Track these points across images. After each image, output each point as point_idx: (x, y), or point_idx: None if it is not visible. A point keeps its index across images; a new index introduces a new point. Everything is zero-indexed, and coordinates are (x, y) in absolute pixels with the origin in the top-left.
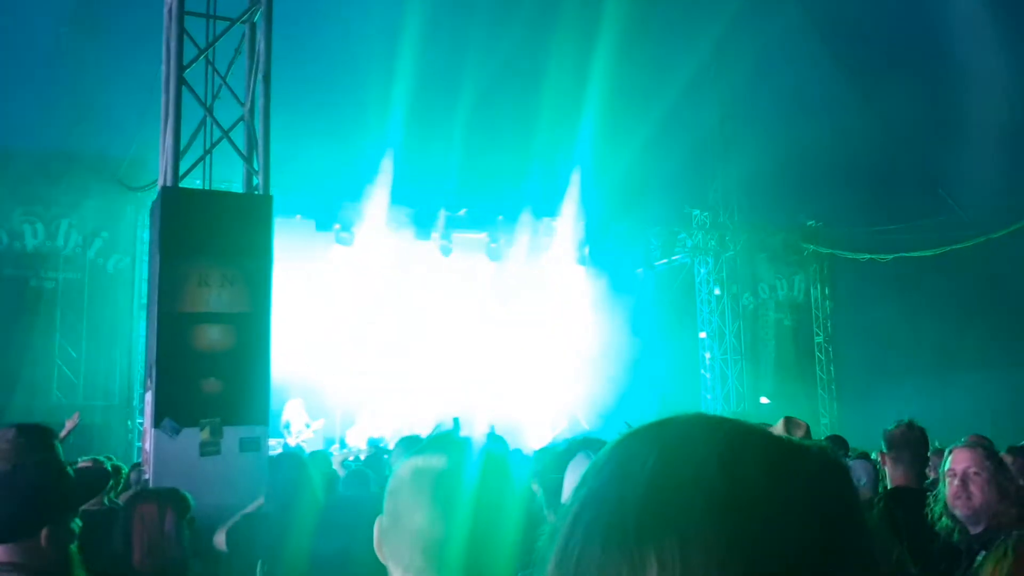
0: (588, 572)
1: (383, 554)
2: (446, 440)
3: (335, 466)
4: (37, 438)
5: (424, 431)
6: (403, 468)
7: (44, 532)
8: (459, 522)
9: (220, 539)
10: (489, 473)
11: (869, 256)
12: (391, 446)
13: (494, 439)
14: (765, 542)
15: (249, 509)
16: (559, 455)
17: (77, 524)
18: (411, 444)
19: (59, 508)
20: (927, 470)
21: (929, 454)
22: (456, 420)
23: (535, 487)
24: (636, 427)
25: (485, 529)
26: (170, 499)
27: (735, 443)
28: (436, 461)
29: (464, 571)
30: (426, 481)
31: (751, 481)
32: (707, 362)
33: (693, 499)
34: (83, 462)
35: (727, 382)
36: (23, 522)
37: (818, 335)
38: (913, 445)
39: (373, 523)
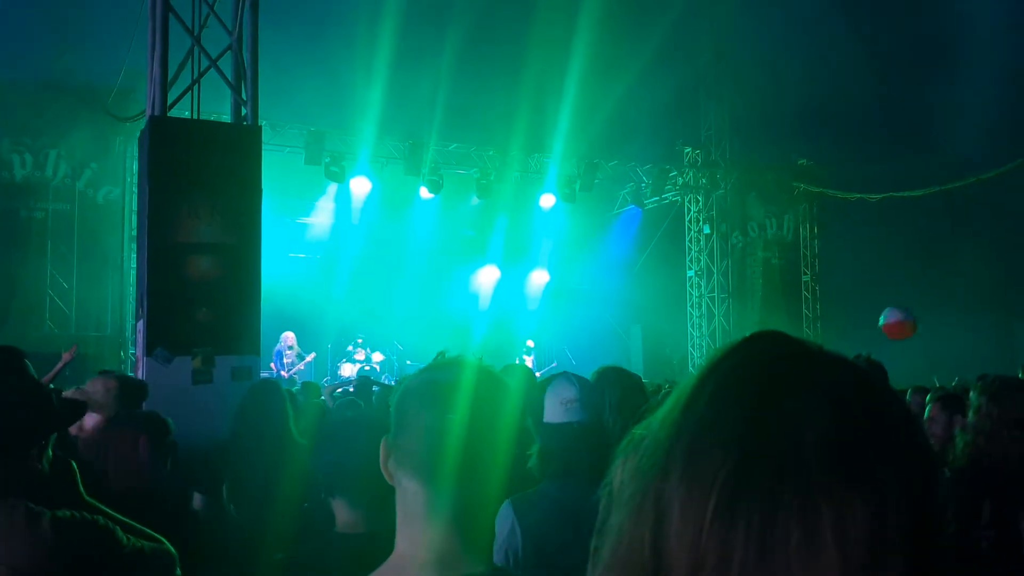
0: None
1: (389, 468)
2: (450, 360)
3: (325, 397)
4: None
5: (412, 363)
6: (411, 383)
7: (36, 451)
8: (464, 426)
9: None
10: (490, 389)
11: (859, 195)
12: (383, 379)
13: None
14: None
15: None
16: (542, 382)
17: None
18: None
19: (42, 426)
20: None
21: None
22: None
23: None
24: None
25: (486, 433)
26: (145, 424)
27: (890, 393)
28: (440, 375)
29: (468, 472)
30: (433, 388)
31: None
32: (694, 300)
33: (887, 447)
34: (67, 393)
35: (714, 320)
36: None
37: (805, 274)
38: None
39: (365, 438)
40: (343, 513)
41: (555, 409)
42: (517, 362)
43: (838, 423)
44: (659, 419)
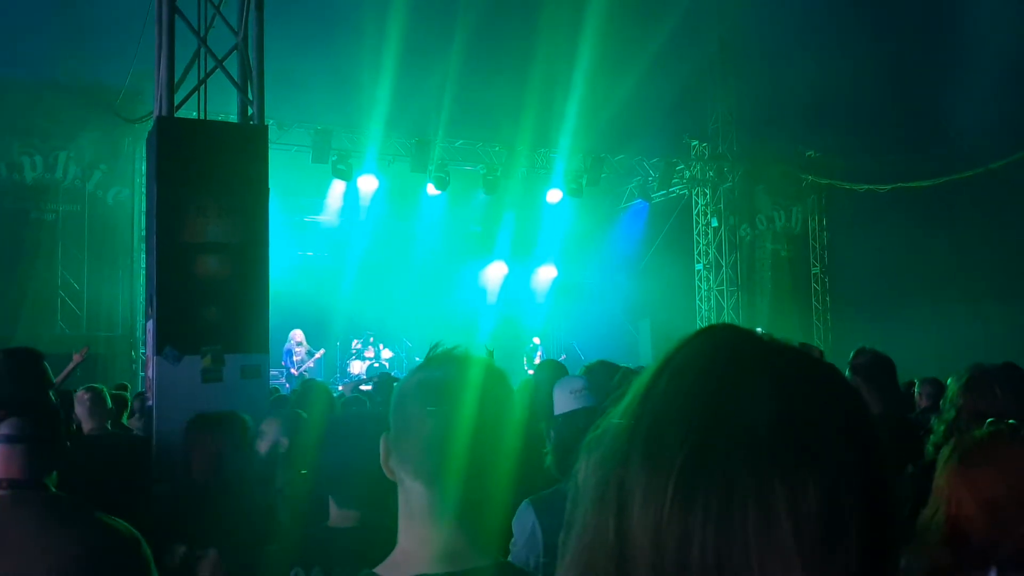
0: (740, 487)
1: (390, 467)
2: (446, 355)
3: (345, 393)
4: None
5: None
6: (408, 381)
7: None
8: (466, 425)
9: None
10: (490, 382)
11: (867, 186)
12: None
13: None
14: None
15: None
16: (544, 380)
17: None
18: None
19: None
20: (919, 398)
21: (919, 382)
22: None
23: None
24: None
25: (489, 432)
26: (221, 424)
27: (838, 377)
28: (440, 372)
29: (472, 471)
30: (432, 387)
31: (867, 417)
32: (703, 293)
33: (835, 433)
34: (82, 391)
35: (722, 313)
36: None
37: (815, 266)
38: (889, 371)
39: (372, 436)
40: (333, 510)
41: (565, 400)
42: (527, 365)
43: (788, 406)
44: (619, 411)
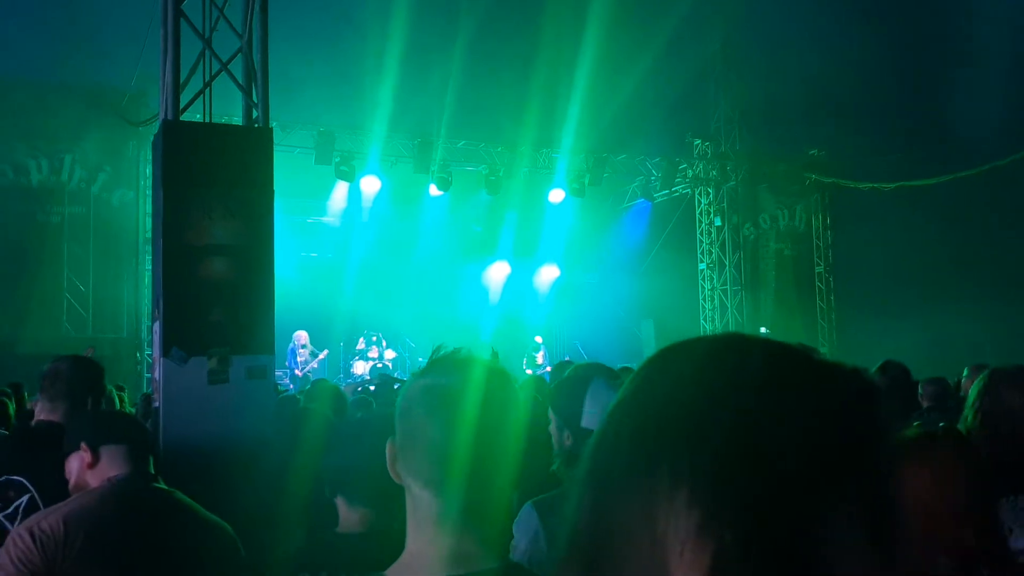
0: (615, 478)
1: (397, 473)
2: (450, 359)
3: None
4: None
5: (424, 360)
6: (413, 388)
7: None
8: (471, 433)
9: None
10: (494, 386)
11: (871, 185)
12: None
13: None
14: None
15: None
16: (573, 381)
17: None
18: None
19: None
20: (921, 399)
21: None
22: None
23: (550, 414)
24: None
25: (495, 437)
26: None
27: (775, 361)
28: (444, 379)
29: (478, 479)
30: (437, 397)
31: (781, 400)
32: (706, 293)
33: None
34: None
35: (726, 312)
36: None
37: (819, 265)
38: (906, 377)
39: (378, 439)
40: (343, 511)
41: (596, 416)
42: (526, 365)
43: (671, 407)
44: None
